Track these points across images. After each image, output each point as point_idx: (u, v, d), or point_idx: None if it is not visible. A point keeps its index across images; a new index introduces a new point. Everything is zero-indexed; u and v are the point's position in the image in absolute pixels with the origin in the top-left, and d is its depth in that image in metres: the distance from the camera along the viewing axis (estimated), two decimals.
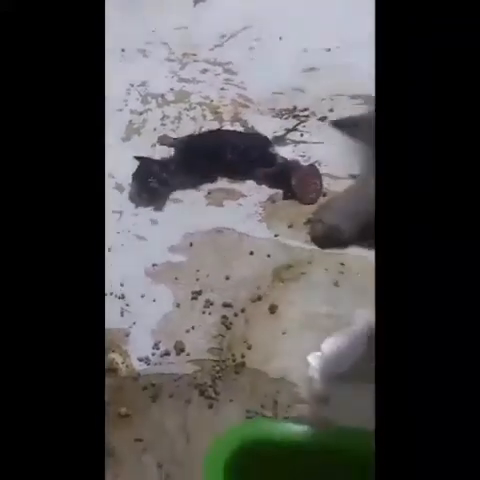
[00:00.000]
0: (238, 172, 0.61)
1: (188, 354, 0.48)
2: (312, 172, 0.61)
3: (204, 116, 0.71)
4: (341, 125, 0.68)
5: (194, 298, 0.52)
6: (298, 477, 0.41)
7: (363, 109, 0.70)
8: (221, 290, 0.52)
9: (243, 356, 0.47)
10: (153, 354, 0.48)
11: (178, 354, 0.48)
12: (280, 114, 0.70)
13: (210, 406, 0.45)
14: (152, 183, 0.59)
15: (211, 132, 0.66)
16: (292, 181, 0.59)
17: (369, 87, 0.72)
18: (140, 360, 0.48)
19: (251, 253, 0.54)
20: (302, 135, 0.67)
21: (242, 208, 0.59)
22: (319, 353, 0.47)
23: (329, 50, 0.79)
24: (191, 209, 0.60)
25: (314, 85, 0.74)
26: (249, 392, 0.45)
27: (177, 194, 0.61)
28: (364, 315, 0.49)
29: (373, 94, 0.29)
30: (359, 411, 0.42)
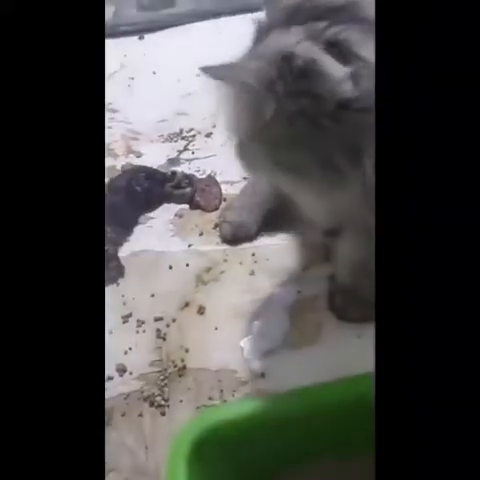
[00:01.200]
0: (150, 201, 0.65)
1: (131, 373, 0.50)
2: (211, 182, 0.67)
3: None
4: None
5: (125, 321, 0.54)
6: (259, 450, 0.43)
7: None
8: (149, 307, 0.55)
9: (183, 360, 0.50)
10: None
11: (121, 376, 0.50)
12: (169, 139, 0.76)
13: (163, 413, 0.47)
14: None
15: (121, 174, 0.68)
16: (195, 194, 0.64)
17: None
18: None
19: (170, 267, 0.58)
20: (193, 153, 0.73)
21: (153, 229, 0.63)
22: (250, 336, 0.51)
23: (198, 75, 0.86)
24: None
25: (194, 107, 0.80)
26: (195, 389, 0.48)
27: None
28: (282, 294, 0.55)
29: None
30: (294, 377, 0.47)
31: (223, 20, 0.96)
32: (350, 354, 0.48)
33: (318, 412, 0.42)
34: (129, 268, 0.59)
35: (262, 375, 0.48)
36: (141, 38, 0.95)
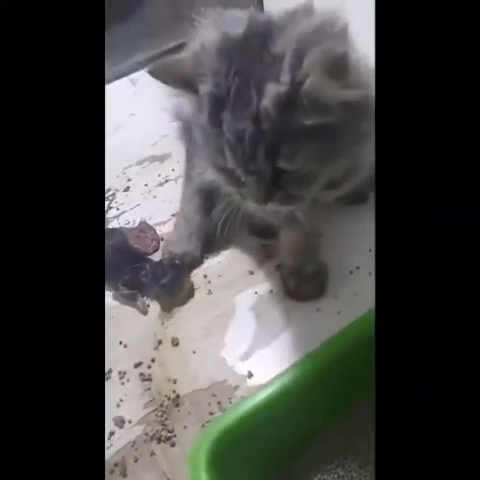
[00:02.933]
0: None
1: (130, 421, 0.51)
2: (144, 227, 0.70)
3: None
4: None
5: (108, 378, 0.55)
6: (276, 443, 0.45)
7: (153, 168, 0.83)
8: (126, 357, 0.56)
9: (174, 391, 0.52)
10: None
11: (121, 427, 0.51)
12: None
13: (173, 444, 0.49)
14: None
15: None
16: (131, 242, 0.67)
17: (147, 151, 0.85)
18: None
19: (133, 313, 0.60)
20: (118, 209, 0.77)
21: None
22: (227, 346, 0.55)
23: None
24: None
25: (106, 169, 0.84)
26: (195, 411, 0.51)
27: None
28: (241, 300, 0.59)
29: None
30: (278, 364, 0.51)
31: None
32: (315, 327, 0.53)
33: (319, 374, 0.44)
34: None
35: (250, 374, 0.52)
36: None
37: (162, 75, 0.42)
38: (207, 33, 0.43)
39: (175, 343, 0.56)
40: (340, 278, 0.58)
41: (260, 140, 0.39)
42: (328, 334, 0.52)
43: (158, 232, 0.70)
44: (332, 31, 0.39)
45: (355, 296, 0.56)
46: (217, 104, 0.40)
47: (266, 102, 0.38)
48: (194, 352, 0.55)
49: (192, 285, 0.61)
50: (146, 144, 0.88)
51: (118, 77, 1.07)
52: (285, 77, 0.37)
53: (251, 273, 0.62)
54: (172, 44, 1.07)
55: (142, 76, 1.03)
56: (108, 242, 0.66)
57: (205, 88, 0.40)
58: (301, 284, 0.56)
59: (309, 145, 0.39)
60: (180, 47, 1.05)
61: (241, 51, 0.40)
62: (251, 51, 0.39)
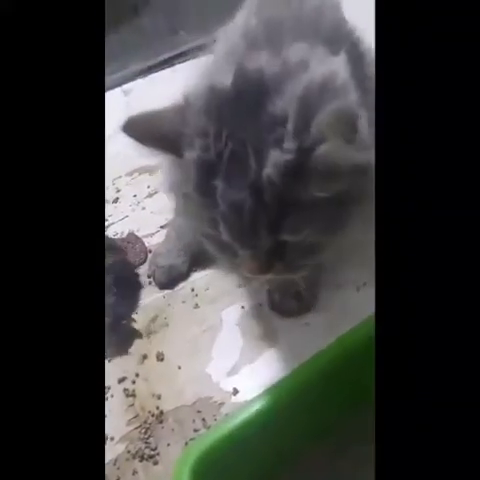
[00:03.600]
0: None
1: (112, 439, 0.50)
2: (132, 239, 0.70)
3: None
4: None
5: None
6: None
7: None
8: (110, 372, 0.55)
9: (158, 407, 0.51)
10: None
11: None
12: None
13: (155, 463, 0.48)
14: None
15: None
16: (123, 253, 0.67)
17: (137, 162, 0.85)
18: None
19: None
20: (107, 220, 0.76)
21: None
22: (213, 362, 0.54)
23: None
24: None
25: None
26: (179, 428, 0.50)
27: None
28: (229, 314, 0.58)
29: None
30: (263, 382, 0.50)
31: None
32: (303, 342, 0.53)
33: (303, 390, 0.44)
34: None
35: (235, 391, 0.51)
36: None
37: (137, 132, 0.36)
38: (190, 81, 0.38)
39: (160, 358, 0.56)
40: (329, 292, 0.58)
41: (261, 213, 0.34)
42: (316, 349, 0.52)
43: (146, 244, 0.70)
44: (335, 86, 0.34)
45: (344, 311, 0.56)
46: (207, 170, 0.34)
47: (269, 171, 0.33)
48: (179, 367, 0.55)
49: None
50: (136, 155, 0.87)
51: (111, 87, 1.07)
52: (291, 144, 0.33)
53: (239, 286, 0.61)
54: (167, 55, 1.08)
55: (135, 86, 1.03)
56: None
57: (192, 152, 0.35)
58: (287, 299, 0.56)
59: (317, 216, 0.35)
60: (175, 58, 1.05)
61: (232, 108, 0.34)
62: (244, 109, 0.34)
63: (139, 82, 1.05)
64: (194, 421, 0.50)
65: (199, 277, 0.63)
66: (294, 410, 0.44)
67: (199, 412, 0.50)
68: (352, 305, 0.56)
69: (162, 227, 0.73)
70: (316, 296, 0.57)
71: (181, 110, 0.36)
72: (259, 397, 0.44)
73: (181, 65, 1.05)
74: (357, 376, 0.41)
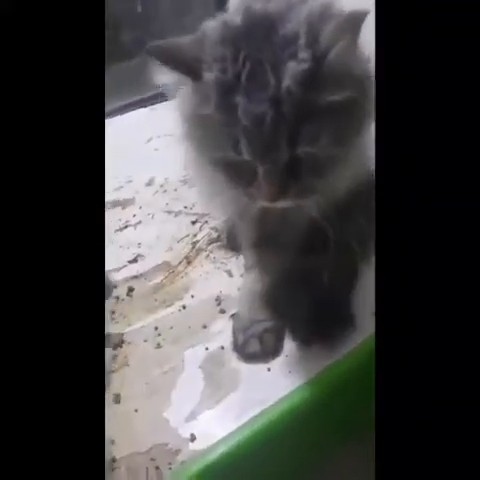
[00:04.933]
0: None
1: None
2: None
3: None
4: None
5: None
6: None
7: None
8: None
9: (111, 453, 0.49)
10: None
11: None
12: None
13: None
14: None
15: None
16: None
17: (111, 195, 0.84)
18: None
19: None
20: None
21: None
22: (172, 406, 0.52)
23: None
24: None
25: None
26: (131, 478, 0.47)
27: None
28: (191, 355, 0.57)
29: None
30: (223, 428, 0.48)
31: None
32: (265, 388, 0.51)
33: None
34: None
35: (192, 437, 0.49)
36: None
37: (161, 55, 0.39)
38: (205, 23, 0.41)
39: (117, 400, 0.53)
40: (295, 335, 0.57)
41: (281, 123, 0.37)
42: (277, 396, 0.51)
43: (111, 279, 0.68)
44: (338, 10, 0.39)
45: (307, 356, 0.55)
46: (227, 90, 0.38)
47: (288, 82, 0.36)
48: (136, 411, 0.52)
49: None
50: (110, 189, 0.87)
51: None
52: (304, 54, 0.37)
53: (204, 327, 0.60)
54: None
55: (114, 121, 1.05)
56: None
57: (211, 74, 0.38)
58: (249, 340, 0.54)
59: (331, 124, 0.38)
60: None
61: (245, 37, 0.39)
62: (256, 36, 0.38)
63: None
64: (147, 469, 0.47)
65: (164, 315, 0.62)
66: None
67: (153, 460, 0.48)
68: (315, 350, 0.55)
69: (129, 262, 0.71)
70: (281, 341, 0.56)
71: (199, 40, 0.40)
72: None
73: None
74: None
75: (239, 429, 0.45)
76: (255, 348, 0.54)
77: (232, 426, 0.48)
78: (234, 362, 0.55)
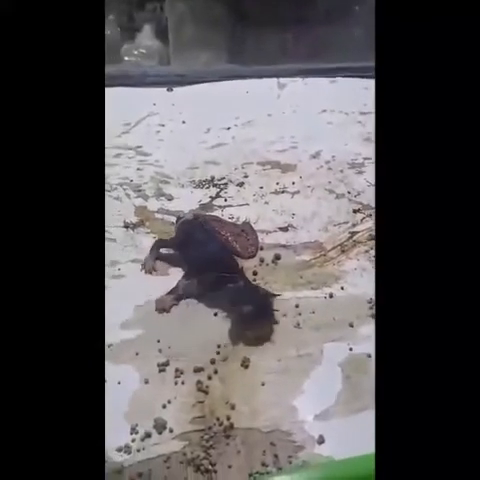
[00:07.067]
0: None
1: (171, 430, 0.44)
2: (247, 229, 0.64)
3: (128, 195, 0.72)
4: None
5: (162, 370, 0.48)
6: None
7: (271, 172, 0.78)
8: (188, 356, 0.50)
9: (229, 418, 0.45)
10: (133, 440, 0.43)
11: (160, 433, 0.43)
12: (200, 185, 0.74)
13: None
14: None
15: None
16: (231, 239, 0.61)
17: (273, 155, 0.81)
18: (119, 450, 0.42)
19: (215, 314, 0.54)
20: (226, 200, 0.71)
21: None
22: (302, 395, 0.47)
23: (229, 128, 0.88)
24: (135, 282, 0.58)
25: (224, 157, 0.80)
26: (246, 453, 0.42)
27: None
28: (332, 349, 0.51)
29: None
30: (356, 441, 0.42)
31: (249, 82, 1.00)
32: None
33: None
34: (163, 314, 0.54)
35: (321, 439, 0.43)
36: (169, 90, 0.97)
37: None
38: None
39: (246, 365, 0.49)
40: None
41: None
42: None
43: (259, 240, 0.64)
44: None
45: None
46: None
47: None
48: (263, 384, 0.47)
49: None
50: (273, 149, 0.83)
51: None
52: None
53: (351, 325, 0.53)
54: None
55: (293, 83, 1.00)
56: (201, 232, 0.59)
57: None
58: None
59: None
60: None
61: None
62: None
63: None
64: (264, 453, 0.42)
65: (306, 295, 0.57)
66: None
67: (273, 445, 0.43)
68: None
69: (280, 229, 0.67)
70: None
71: None
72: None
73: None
74: None
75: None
76: None
77: (367, 448, 0.42)
78: None
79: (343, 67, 0.99)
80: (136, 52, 1.19)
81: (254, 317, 0.51)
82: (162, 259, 0.60)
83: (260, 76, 0.99)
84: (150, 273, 0.59)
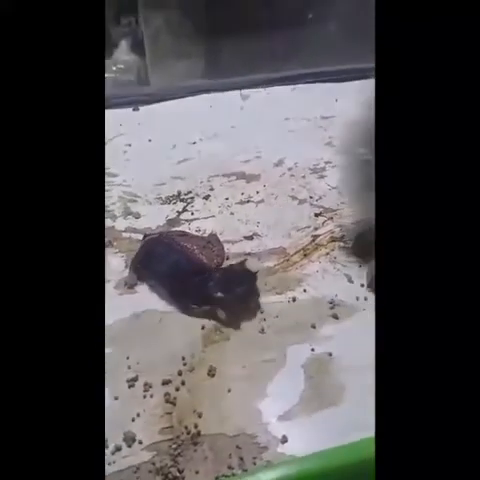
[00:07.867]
0: None
1: (140, 442, 0.45)
2: (213, 240, 0.67)
3: None
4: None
5: (131, 386, 0.50)
6: None
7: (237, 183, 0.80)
8: (156, 370, 0.51)
9: (196, 426, 0.46)
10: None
11: (130, 446, 0.45)
12: (167, 201, 0.76)
13: None
14: None
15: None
16: (197, 252, 0.63)
17: (238, 166, 0.83)
18: None
19: (177, 328, 0.56)
20: (193, 214, 0.74)
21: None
22: (267, 398, 0.49)
23: (194, 143, 0.90)
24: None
25: (190, 172, 0.82)
26: (213, 458, 0.44)
27: None
28: (295, 352, 0.53)
29: None
30: (320, 438, 0.44)
31: (213, 96, 1.02)
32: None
33: None
34: (131, 331, 0.56)
35: (284, 439, 0.45)
36: (135, 109, 1.00)
37: None
38: None
39: (212, 373, 0.51)
40: None
41: None
42: None
43: (225, 250, 0.66)
44: None
45: None
46: None
47: None
48: (229, 391, 0.49)
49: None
50: (238, 160, 0.85)
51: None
52: None
53: (313, 327, 0.56)
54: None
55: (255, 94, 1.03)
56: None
57: None
58: None
59: None
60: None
61: None
62: None
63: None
64: (230, 456, 0.44)
65: (271, 301, 0.59)
66: None
67: (238, 448, 0.45)
68: None
69: (245, 238, 0.69)
70: None
71: None
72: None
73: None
74: None
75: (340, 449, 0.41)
76: None
77: (329, 443, 0.44)
78: (343, 375, 0.50)
79: (306, 73, 1.02)
80: (115, 68, 1.20)
81: (246, 294, 0.56)
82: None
83: (223, 89, 1.01)
84: (132, 288, 0.61)
